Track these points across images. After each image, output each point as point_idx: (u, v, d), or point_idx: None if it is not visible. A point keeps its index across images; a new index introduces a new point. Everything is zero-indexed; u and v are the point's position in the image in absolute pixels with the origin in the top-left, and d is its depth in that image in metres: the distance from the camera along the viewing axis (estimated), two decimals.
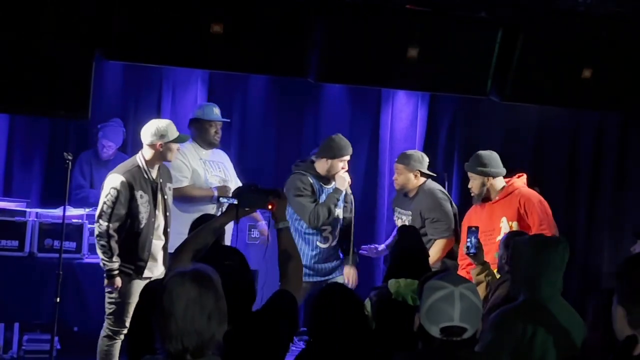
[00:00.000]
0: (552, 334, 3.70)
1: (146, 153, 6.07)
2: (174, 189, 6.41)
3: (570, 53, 6.09)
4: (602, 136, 9.03)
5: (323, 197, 6.48)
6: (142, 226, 5.96)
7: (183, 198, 6.55)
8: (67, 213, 6.64)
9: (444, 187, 7.19)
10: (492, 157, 6.55)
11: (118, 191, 5.87)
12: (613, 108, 7.16)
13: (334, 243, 6.60)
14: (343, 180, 6.47)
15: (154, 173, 6.09)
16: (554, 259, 3.88)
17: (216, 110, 6.86)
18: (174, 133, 6.07)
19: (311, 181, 6.47)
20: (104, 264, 5.90)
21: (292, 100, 8.69)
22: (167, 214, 6.16)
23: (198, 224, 4.53)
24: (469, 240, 5.69)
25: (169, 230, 6.18)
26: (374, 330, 4.21)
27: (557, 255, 3.90)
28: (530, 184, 6.69)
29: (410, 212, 6.68)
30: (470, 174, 6.52)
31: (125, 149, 8.08)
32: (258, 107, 8.73)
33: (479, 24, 5.97)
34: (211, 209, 6.58)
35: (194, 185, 6.63)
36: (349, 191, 6.67)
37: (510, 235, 5.03)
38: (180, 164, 6.57)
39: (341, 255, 6.75)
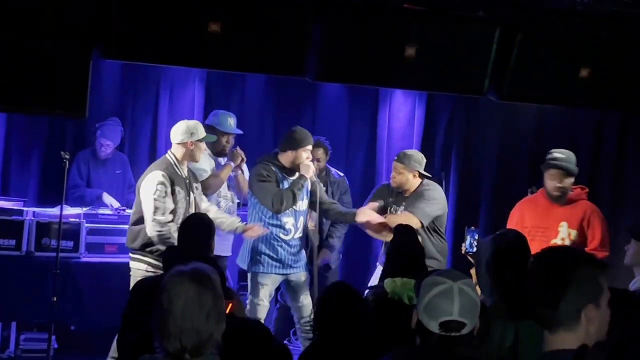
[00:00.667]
0: (523, 334, 3.69)
1: (177, 151, 6.20)
2: (203, 182, 6.58)
3: (568, 52, 6.09)
4: (600, 135, 9.04)
5: (286, 186, 6.50)
6: (180, 221, 6.00)
7: (211, 187, 6.67)
8: (65, 212, 6.64)
9: (441, 185, 7.20)
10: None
11: (164, 184, 5.97)
12: (611, 107, 7.16)
13: (297, 235, 6.58)
14: (307, 167, 6.49)
15: (185, 171, 6.22)
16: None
17: (231, 121, 6.88)
18: (202, 132, 6.25)
19: (274, 170, 6.47)
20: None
21: (289, 99, 8.70)
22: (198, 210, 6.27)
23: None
24: (468, 239, 5.68)
25: None
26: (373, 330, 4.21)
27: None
28: (528, 184, 6.71)
29: (402, 209, 6.71)
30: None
31: (123, 148, 8.08)
32: (255, 106, 8.73)
33: (477, 23, 5.97)
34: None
35: (213, 174, 6.74)
36: (314, 179, 6.65)
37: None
38: (205, 158, 6.65)
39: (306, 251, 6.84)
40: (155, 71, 8.22)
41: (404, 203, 6.74)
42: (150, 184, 5.99)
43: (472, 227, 5.93)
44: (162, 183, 5.98)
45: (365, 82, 6.86)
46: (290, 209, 6.45)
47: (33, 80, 5.10)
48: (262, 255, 6.46)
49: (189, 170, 6.33)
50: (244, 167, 7.00)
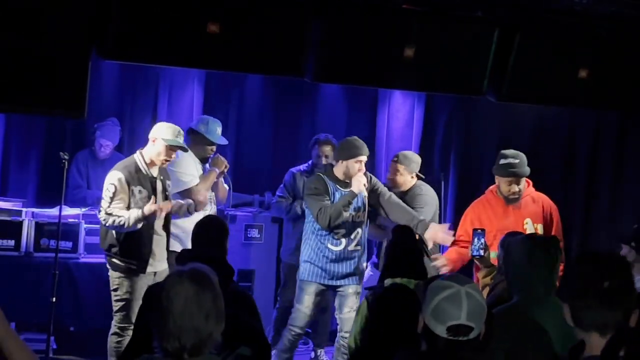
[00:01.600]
0: (543, 335, 3.69)
1: (149, 150, 6.16)
2: (186, 189, 6.52)
3: (566, 52, 6.09)
4: (599, 136, 9.05)
5: (337, 200, 6.44)
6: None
7: (203, 196, 6.58)
8: (63, 212, 6.65)
9: (439, 186, 7.22)
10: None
11: (115, 186, 5.98)
12: (610, 107, 7.17)
13: (350, 247, 6.46)
14: (358, 182, 6.40)
15: (153, 170, 6.19)
16: (545, 259, 3.88)
17: (219, 130, 6.80)
18: (182, 140, 6.22)
19: (326, 182, 6.44)
20: (129, 224, 5.92)
21: (288, 100, 8.70)
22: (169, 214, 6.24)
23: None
24: (475, 242, 5.67)
25: (170, 226, 6.28)
26: (372, 330, 4.22)
27: (548, 255, 3.90)
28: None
29: None
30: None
31: (122, 149, 8.09)
32: (255, 107, 8.73)
33: (476, 24, 5.97)
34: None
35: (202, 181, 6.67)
36: (365, 194, 6.50)
37: (507, 236, 5.03)
38: (188, 164, 6.59)
39: (365, 263, 6.72)
40: (154, 72, 8.22)
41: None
42: (106, 182, 6.06)
43: (479, 230, 5.91)
44: (114, 185, 5.98)
45: (364, 83, 6.86)
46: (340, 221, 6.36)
47: (32, 81, 5.09)
48: (306, 263, 6.47)
49: (161, 169, 6.26)
50: (221, 179, 6.93)
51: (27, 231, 6.85)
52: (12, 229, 6.84)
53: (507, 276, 4.06)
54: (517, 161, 6.33)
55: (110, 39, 5.23)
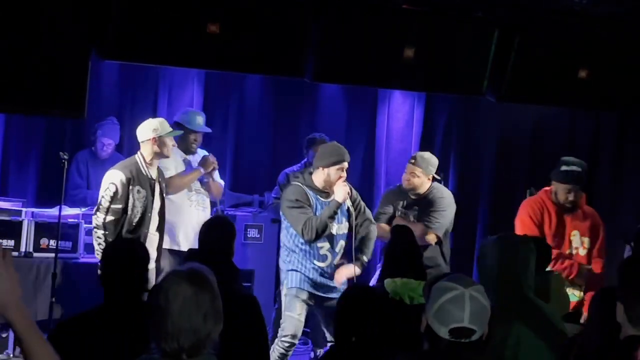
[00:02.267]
0: (521, 337, 3.68)
1: (143, 150, 6.28)
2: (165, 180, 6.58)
3: (566, 53, 6.09)
4: (599, 136, 9.05)
5: (320, 211, 6.06)
6: (136, 220, 6.15)
7: (175, 187, 6.65)
8: (63, 212, 6.64)
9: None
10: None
11: (116, 186, 6.08)
12: (610, 108, 7.17)
13: (337, 261, 6.19)
14: (342, 191, 6.02)
15: (152, 171, 6.27)
16: (520, 260, 3.85)
17: (200, 120, 6.87)
18: (166, 128, 6.30)
19: (307, 193, 6.05)
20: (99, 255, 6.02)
21: (288, 100, 8.70)
22: (164, 211, 6.34)
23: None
24: None
25: (164, 226, 6.37)
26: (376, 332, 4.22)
27: (518, 255, 3.87)
28: (527, 185, 6.71)
29: (417, 208, 6.69)
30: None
31: (122, 149, 8.07)
32: (254, 107, 8.73)
33: (476, 24, 5.98)
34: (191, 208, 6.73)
35: (179, 175, 6.71)
36: (349, 204, 6.16)
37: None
38: (171, 157, 6.65)
39: None
40: (154, 72, 8.22)
41: (415, 208, 6.70)
42: (105, 181, 6.16)
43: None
44: (115, 184, 6.08)
45: (364, 83, 6.86)
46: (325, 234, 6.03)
47: (32, 81, 5.10)
48: (293, 272, 6.11)
49: (159, 170, 6.37)
50: (216, 174, 6.93)
51: (27, 231, 6.85)
52: (12, 229, 6.83)
53: (481, 279, 4.03)
54: (580, 169, 6.14)
55: (110, 39, 5.24)
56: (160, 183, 6.33)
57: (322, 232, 5.96)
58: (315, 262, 6.09)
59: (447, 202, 6.70)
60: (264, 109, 8.74)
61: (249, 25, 5.47)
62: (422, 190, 6.70)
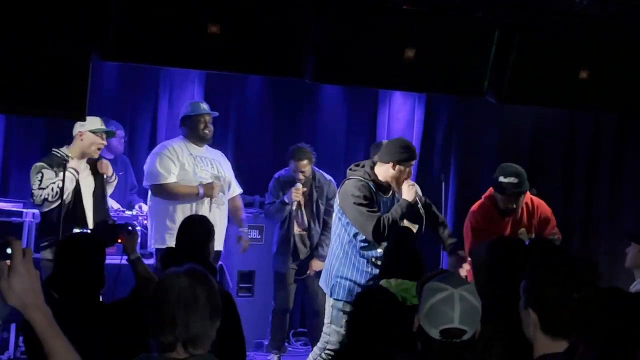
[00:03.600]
0: (510, 339, 3.67)
1: (72, 144, 6.48)
2: (158, 184, 6.68)
3: (567, 54, 6.09)
4: (599, 137, 9.05)
5: (380, 207, 5.82)
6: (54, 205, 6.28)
7: (168, 194, 6.71)
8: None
9: (440, 186, 7.20)
10: None
11: (40, 172, 6.30)
12: (610, 109, 7.16)
13: None
14: (411, 190, 5.79)
15: (79, 162, 6.40)
16: (514, 262, 3.86)
17: (203, 105, 6.99)
18: (95, 124, 6.40)
19: (371, 188, 5.79)
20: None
21: (288, 101, 8.70)
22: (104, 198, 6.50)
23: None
24: None
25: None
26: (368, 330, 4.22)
27: (516, 257, 3.88)
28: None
29: None
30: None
31: (123, 150, 8.08)
32: (255, 108, 8.73)
33: (476, 25, 5.97)
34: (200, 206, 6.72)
35: (180, 183, 6.74)
36: (419, 203, 5.90)
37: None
38: (168, 160, 6.73)
39: None
40: (155, 73, 8.22)
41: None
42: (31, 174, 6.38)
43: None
44: (40, 172, 6.27)
45: (365, 84, 6.85)
46: None
47: (32, 82, 5.09)
48: (343, 279, 5.79)
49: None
50: (219, 154, 7.08)
51: (28, 232, 6.85)
52: (12, 230, 6.83)
53: (475, 281, 4.03)
54: (516, 181, 6.17)
55: (110, 39, 5.23)
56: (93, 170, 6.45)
57: (392, 232, 5.63)
58: (373, 260, 5.76)
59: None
60: (265, 110, 8.75)
61: (250, 26, 5.47)
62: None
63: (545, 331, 2.58)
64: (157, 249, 6.71)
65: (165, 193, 6.72)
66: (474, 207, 6.51)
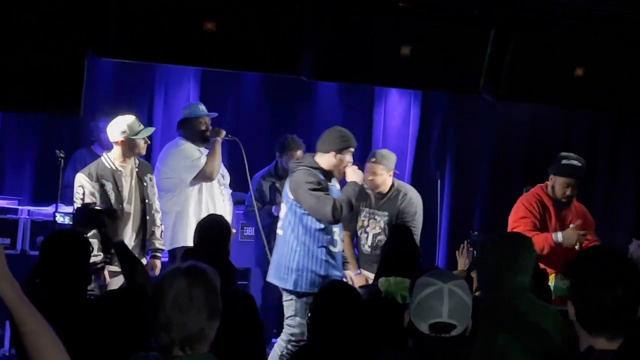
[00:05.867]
0: (515, 334, 3.68)
1: (114, 150, 6.26)
2: (202, 170, 6.60)
3: (562, 52, 6.11)
4: (595, 135, 9.06)
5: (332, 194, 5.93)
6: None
7: (207, 174, 6.65)
8: (59, 210, 6.63)
9: (435, 184, 7.20)
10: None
11: (83, 187, 6.07)
12: (606, 107, 7.17)
13: (340, 248, 6.09)
14: (357, 172, 5.98)
15: (121, 165, 6.21)
16: (519, 256, 3.85)
17: (201, 107, 6.95)
18: (135, 129, 6.23)
19: (319, 175, 5.93)
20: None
21: (285, 98, 8.70)
22: (146, 202, 6.27)
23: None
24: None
25: (148, 217, 6.29)
26: (365, 329, 4.22)
27: (522, 252, 3.88)
28: (523, 183, 6.71)
29: (386, 214, 6.60)
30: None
31: None
32: (251, 106, 8.73)
33: (472, 23, 5.98)
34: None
35: (206, 161, 6.70)
36: (365, 186, 6.19)
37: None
38: (190, 147, 6.68)
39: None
40: (151, 70, 8.21)
41: (385, 214, 6.60)
42: (74, 187, 6.16)
43: (476, 233, 5.83)
44: (80, 185, 6.08)
45: (361, 81, 6.87)
46: None
47: (28, 79, 5.09)
48: (308, 272, 5.89)
49: (141, 163, 6.36)
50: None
51: (23, 229, 6.85)
52: (8, 227, 6.83)
53: (479, 276, 4.03)
54: (580, 164, 6.17)
55: (106, 37, 5.23)
56: (140, 173, 6.28)
57: (347, 211, 5.81)
58: (331, 247, 5.92)
59: (416, 203, 6.61)
60: (261, 107, 8.74)
61: (246, 24, 5.47)
62: (385, 188, 6.62)
63: (582, 326, 2.60)
64: (172, 249, 6.65)
65: (206, 174, 6.64)
66: (522, 197, 6.41)
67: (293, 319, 5.92)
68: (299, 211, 5.91)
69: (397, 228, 5.92)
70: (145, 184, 6.28)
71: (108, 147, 7.79)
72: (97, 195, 6.05)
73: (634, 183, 8.91)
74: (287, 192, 6.00)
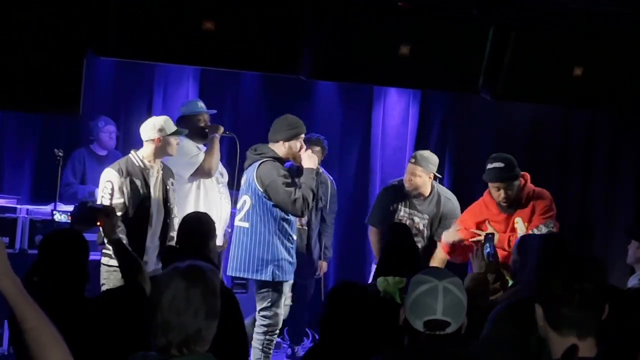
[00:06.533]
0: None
1: (145, 149, 6.20)
2: (200, 165, 6.60)
3: (561, 51, 6.11)
4: (594, 135, 9.05)
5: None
6: (134, 211, 6.04)
7: (206, 170, 6.65)
8: (58, 209, 6.63)
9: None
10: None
11: (112, 182, 6.01)
12: (604, 106, 7.18)
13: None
14: (311, 157, 6.16)
15: (148, 164, 6.17)
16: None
17: (200, 104, 6.97)
18: (171, 127, 6.22)
19: (283, 166, 6.15)
20: (107, 263, 5.97)
21: (283, 97, 8.68)
22: (168, 205, 6.23)
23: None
24: (488, 247, 5.61)
25: (169, 221, 6.23)
26: (363, 329, 4.22)
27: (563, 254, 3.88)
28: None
29: (427, 215, 6.63)
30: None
31: (117, 146, 8.07)
32: (249, 105, 8.72)
33: (471, 22, 5.98)
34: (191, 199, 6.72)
35: (204, 156, 6.72)
36: (320, 169, 6.38)
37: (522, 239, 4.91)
38: (188, 143, 6.65)
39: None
40: (149, 69, 8.21)
41: (420, 209, 6.63)
42: (101, 182, 6.09)
43: (490, 235, 5.79)
44: (109, 180, 6.02)
45: (359, 80, 6.87)
46: None
47: (27, 78, 5.09)
48: (283, 261, 6.08)
49: (165, 166, 6.32)
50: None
51: (22, 228, 6.84)
52: (6, 226, 6.82)
53: (521, 273, 4.03)
54: (502, 165, 5.99)
55: (105, 36, 5.24)
56: (164, 177, 6.24)
57: (312, 202, 6.05)
58: (294, 234, 6.16)
59: (458, 209, 6.67)
60: (260, 106, 8.74)
61: (245, 23, 5.47)
62: (425, 190, 6.65)
63: (551, 326, 2.56)
64: None
65: (205, 170, 6.64)
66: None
67: (269, 310, 6.05)
68: (269, 203, 6.04)
69: (396, 226, 5.93)
70: (168, 187, 6.27)
71: (107, 146, 7.83)
72: (126, 191, 6.02)
73: (633, 183, 8.90)
74: (254, 183, 6.08)
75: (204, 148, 6.79)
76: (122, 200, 6.00)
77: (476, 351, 3.59)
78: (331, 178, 7.60)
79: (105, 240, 4.43)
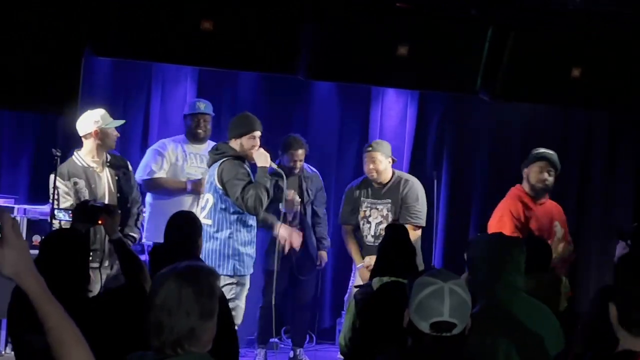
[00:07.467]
0: (515, 340, 3.65)
1: (85, 145, 6.30)
2: (146, 179, 6.78)
3: (560, 52, 6.11)
4: (592, 135, 9.05)
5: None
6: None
7: (156, 188, 6.85)
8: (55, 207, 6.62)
9: (432, 183, 7.21)
10: None
11: (56, 188, 6.12)
12: (603, 107, 7.18)
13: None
14: (263, 155, 6.24)
15: (91, 162, 6.25)
16: (514, 258, 3.83)
17: (200, 105, 7.04)
18: (107, 119, 6.32)
19: (243, 164, 6.26)
20: None
21: (281, 97, 8.68)
22: (124, 195, 6.33)
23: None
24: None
25: (130, 209, 6.36)
26: (360, 328, 4.22)
27: (517, 254, 3.86)
28: (520, 183, 6.71)
29: (389, 201, 6.71)
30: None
31: (115, 146, 8.05)
32: (247, 105, 8.68)
33: (469, 22, 5.98)
34: (187, 201, 6.82)
35: (168, 178, 6.86)
36: (274, 166, 6.41)
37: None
38: (158, 156, 6.89)
39: None
40: (147, 69, 8.19)
41: (382, 195, 6.73)
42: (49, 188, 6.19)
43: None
44: (54, 187, 6.10)
45: (358, 81, 6.87)
46: None
47: (24, 78, 5.08)
48: (244, 255, 6.26)
49: (113, 156, 6.40)
50: None
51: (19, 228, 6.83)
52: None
53: (472, 279, 4.00)
54: (551, 152, 6.37)
55: (103, 35, 5.23)
56: (113, 167, 6.31)
57: (266, 201, 6.14)
58: (252, 228, 6.29)
59: (418, 189, 6.85)
60: (257, 106, 8.71)
61: (243, 23, 5.46)
62: (387, 175, 6.82)
63: (623, 326, 2.70)
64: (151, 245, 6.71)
65: (153, 187, 6.85)
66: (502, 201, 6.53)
67: (232, 302, 6.08)
68: (229, 200, 6.17)
69: (392, 227, 5.92)
70: (117, 177, 6.31)
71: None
72: (72, 193, 6.11)
73: (632, 183, 8.90)
74: (215, 182, 6.19)
75: (183, 155, 6.95)
76: (71, 203, 6.10)
77: (475, 351, 3.59)
78: (315, 171, 7.56)
79: (107, 239, 4.44)
